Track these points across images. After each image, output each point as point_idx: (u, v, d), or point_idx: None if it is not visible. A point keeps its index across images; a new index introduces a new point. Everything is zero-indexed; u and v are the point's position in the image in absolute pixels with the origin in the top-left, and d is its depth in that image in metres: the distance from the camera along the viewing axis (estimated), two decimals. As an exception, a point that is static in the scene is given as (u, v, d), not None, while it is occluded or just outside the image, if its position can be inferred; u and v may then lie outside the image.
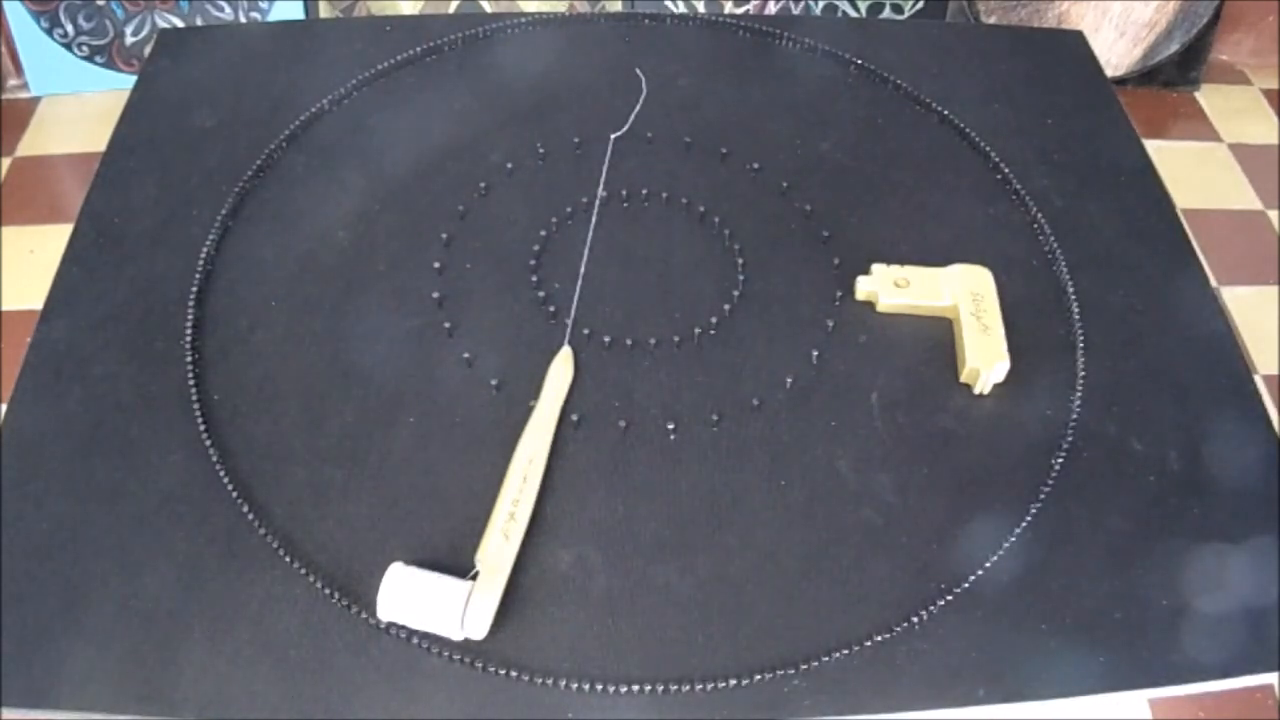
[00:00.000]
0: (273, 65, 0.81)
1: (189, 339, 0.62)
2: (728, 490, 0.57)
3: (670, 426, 0.60)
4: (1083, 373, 0.63)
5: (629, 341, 0.64)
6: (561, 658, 0.51)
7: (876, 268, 0.66)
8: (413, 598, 0.50)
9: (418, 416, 0.60)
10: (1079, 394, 0.62)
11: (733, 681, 0.50)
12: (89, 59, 1.61)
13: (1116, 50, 1.67)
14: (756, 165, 0.74)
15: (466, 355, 0.63)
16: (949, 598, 0.53)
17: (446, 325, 0.64)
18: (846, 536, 0.56)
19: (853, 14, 1.65)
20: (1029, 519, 0.56)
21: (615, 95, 0.78)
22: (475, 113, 0.77)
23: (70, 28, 1.58)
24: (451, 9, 1.62)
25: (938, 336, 0.65)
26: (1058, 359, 0.64)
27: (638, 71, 0.80)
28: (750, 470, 0.58)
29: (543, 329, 0.64)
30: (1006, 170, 0.74)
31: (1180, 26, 1.64)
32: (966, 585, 0.54)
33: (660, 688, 0.50)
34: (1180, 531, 0.56)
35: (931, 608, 0.53)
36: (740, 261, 0.68)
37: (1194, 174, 1.61)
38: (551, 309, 0.65)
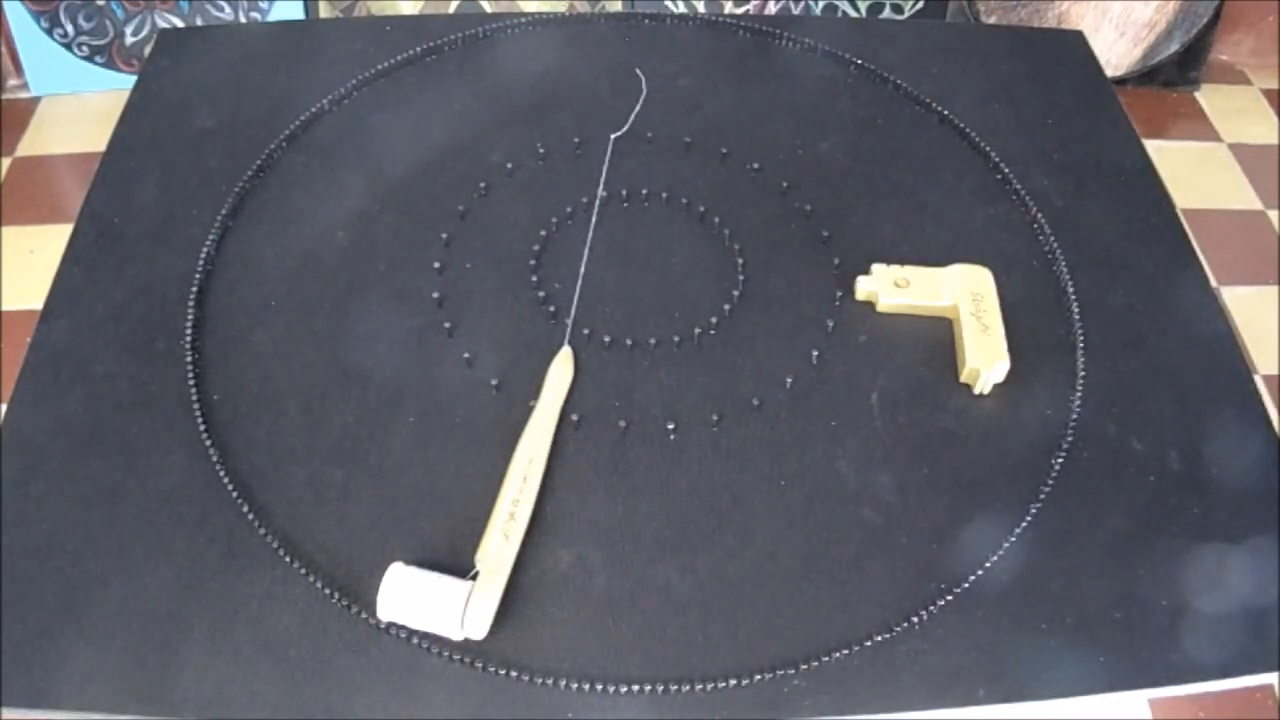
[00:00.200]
0: (273, 65, 0.81)
1: (189, 339, 0.62)
2: (728, 490, 0.57)
3: (670, 426, 0.60)
4: (1083, 373, 0.63)
5: (629, 341, 0.64)
6: (561, 658, 0.51)
7: (876, 268, 0.66)
8: (413, 598, 0.50)
9: (418, 416, 0.60)
10: (1079, 394, 0.62)
11: (733, 681, 0.50)
12: (89, 59, 1.61)
13: (1116, 50, 1.67)
14: (756, 165, 0.74)
15: (466, 355, 0.63)
16: (949, 598, 0.53)
17: (446, 325, 0.64)
18: (846, 536, 0.56)
19: (853, 14, 1.65)
20: (1029, 519, 0.56)
21: (615, 95, 0.78)
22: (475, 113, 0.77)
23: (70, 28, 1.58)
24: (451, 9, 1.62)
25: (938, 336, 0.65)
26: (1058, 359, 0.64)
27: (638, 71, 0.80)
28: (750, 470, 0.58)
29: (543, 329, 0.64)
30: (1006, 170, 0.74)
31: (1180, 26, 1.64)
32: (966, 585, 0.54)
33: (660, 688, 0.50)
34: (1180, 531, 0.56)
35: (931, 608, 0.53)
36: (740, 261, 0.68)
37: (1194, 174, 1.61)
38: (551, 309, 0.65)
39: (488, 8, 1.63)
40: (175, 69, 0.80)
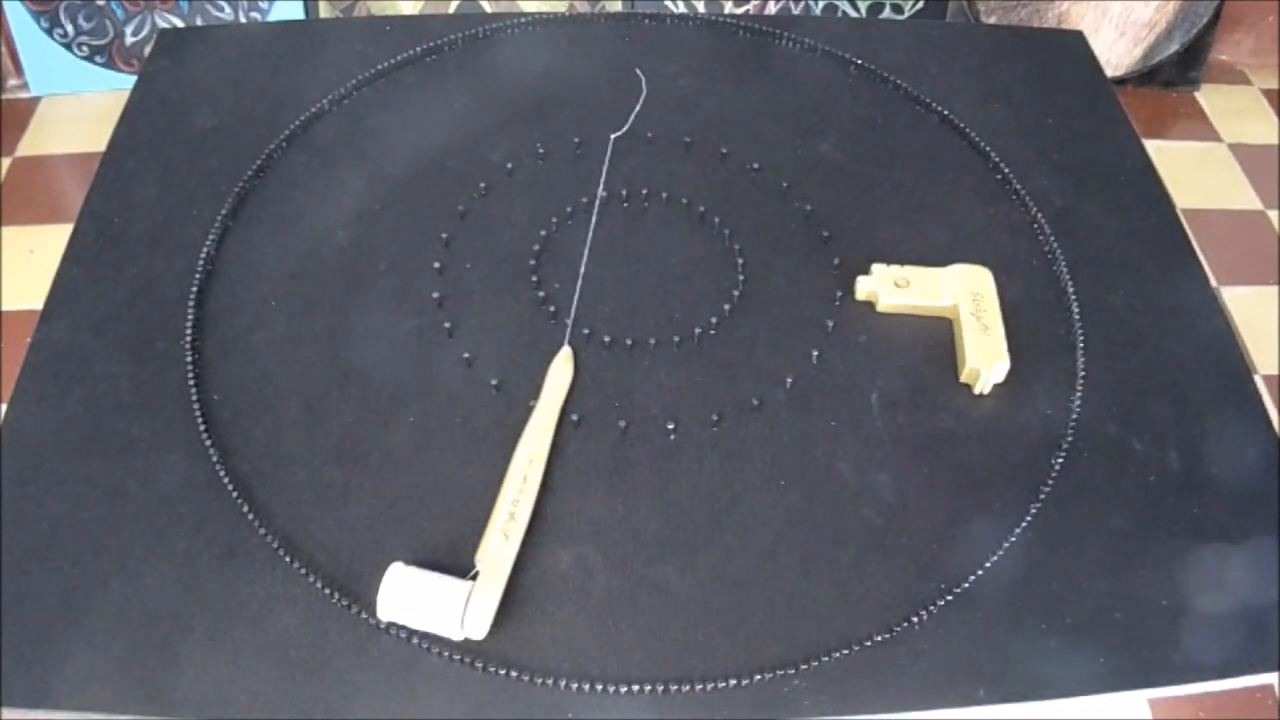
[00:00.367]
0: (273, 65, 0.81)
1: (189, 339, 0.62)
2: (728, 490, 0.57)
3: (670, 426, 0.60)
4: (1083, 373, 0.63)
5: (629, 341, 0.64)
6: (561, 658, 0.51)
7: (876, 268, 0.66)
8: (413, 598, 0.50)
9: (418, 416, 0.60)
10: (1079, 394, 0.62)
11: (733, 681, 0.50)
12: (89, 59, 1.61)
13: (1116, 50, 1.67)
14: (756, 165, 0.74)
15: (466, 355, 0.63)
16: (949, 598, 0.53)
17: (446, 325, 0.64)
18: (846, 536, 0.56)
19: (853, 14, 1.65)
20: (1029, 519, 0.56)
21: (615, 95, 0.78)
22: (475, 113, 0.77)
23: (70, 28, 1.58)
24: (451, 9, 1.62)
25: (938, 336, 0.65)
26: (1058, 359, 0.64)
27: (638, 71, 0.80)
28: (750, 470, 0.58)
29: (543, 329, 0.64)
30: (1006, 170, 0.74)
31: (1180, 26, 1.64)
32: (966, 585, 0.54)
33: (660, 688, 0.50)
34: (1180, 531, 0.56)
35: (931, 608, 0.53)
36: (740, 261, 0.68)
37: (1194, 174, 1.61)
38: (551, 309, 0.65)
39: (488, 8, 1.63)
40: (175, 69, 0.80)
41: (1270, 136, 1.68)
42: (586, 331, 0.64)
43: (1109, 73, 1.48)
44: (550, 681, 0.50)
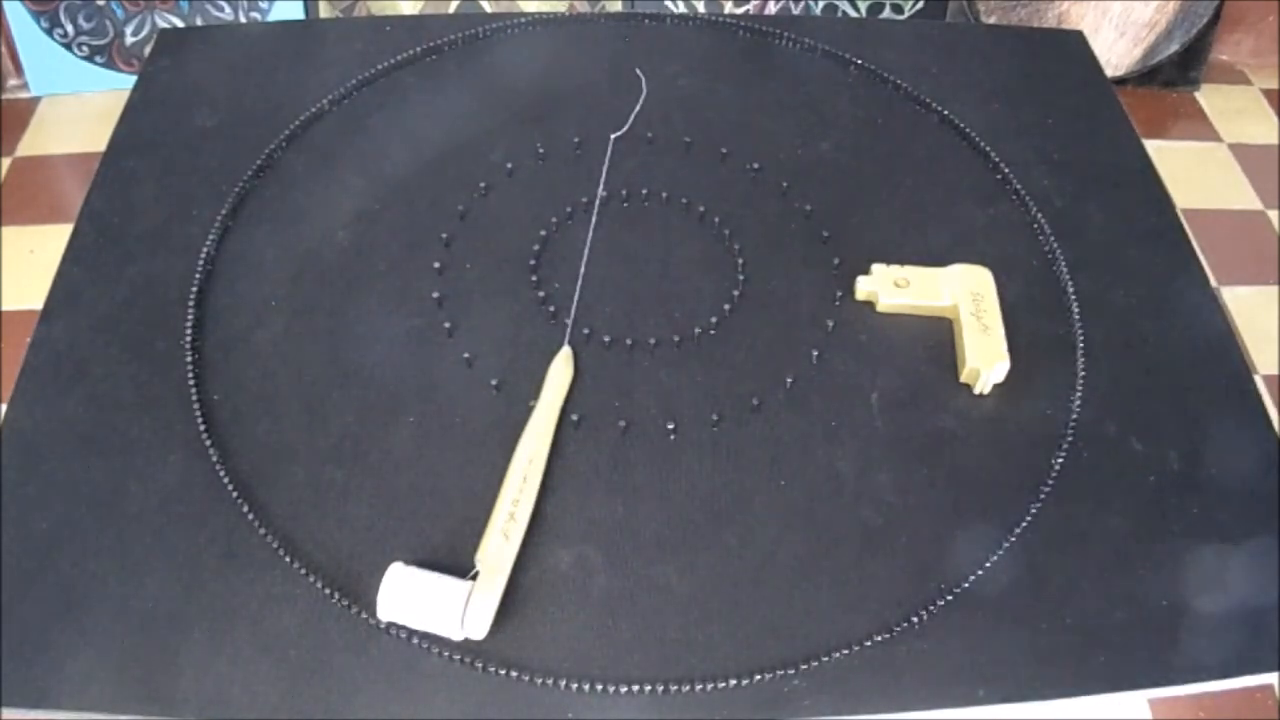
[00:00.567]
0: (273, 65, 0.81)
1: (189, 339, 0.62)
2: (728, 490, 0.57)
3: (670, 426, 0.60)
4: (1083, 373, 0.63)
5: (629, 341, 0.64)
6: (561, 658, 0.51)
7: (876, 268, 0.66)
8: (413, 598, 0.50)
9: (418, 416, 0.60)
10: (1079, 394, 0.62)
11: (733, 681, 0.50)
12: (89, 59, 1.61)
13: (1116, 50, 1.67)
14: (756, 165, 0.74)
15: (466, 355, 0.63)
16: (949, 598, 0.53)
17: (446, 325, 0.64)
18: (846, 536, 0.56)
19: (853, 14, 1.65)
20: (1029, 519, 0.56)
21: (615, 95, 0.78)
22: (475, 113, 0.77)
23: (70, 28, 1.58)
24: (451, 9, 1.62)
25: (938, 336, 0.65)
26: (1058, 359, 0.64)
27: (638, 71, 0.80)
28: (750, 470, 0.58)
29: (543, 329, 0.64)
30: (1006, 170, 0.74)
31: (1180, 26, 1.64)
32: (966, 585, 0.54)
33: (660, 688, 0.50)
34: (1180, 531, 0.56)
35: (931, 608, 0.53)
36: (740, 261, 0.68)
37: (1194, 174, 1.61)
38: (551, 309, 0.65)
39: (488, 8, 1.63)
40: (175, 69, 0.80)
41: (1270, 136, 1.68)
42: (586, 331, 0.64)
43: (1109, 73, 1.48)
44: (550, 681, 0.50)
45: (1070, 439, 0.59)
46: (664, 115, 0.77)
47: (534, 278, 0.67)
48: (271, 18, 1.60)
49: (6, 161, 1.55)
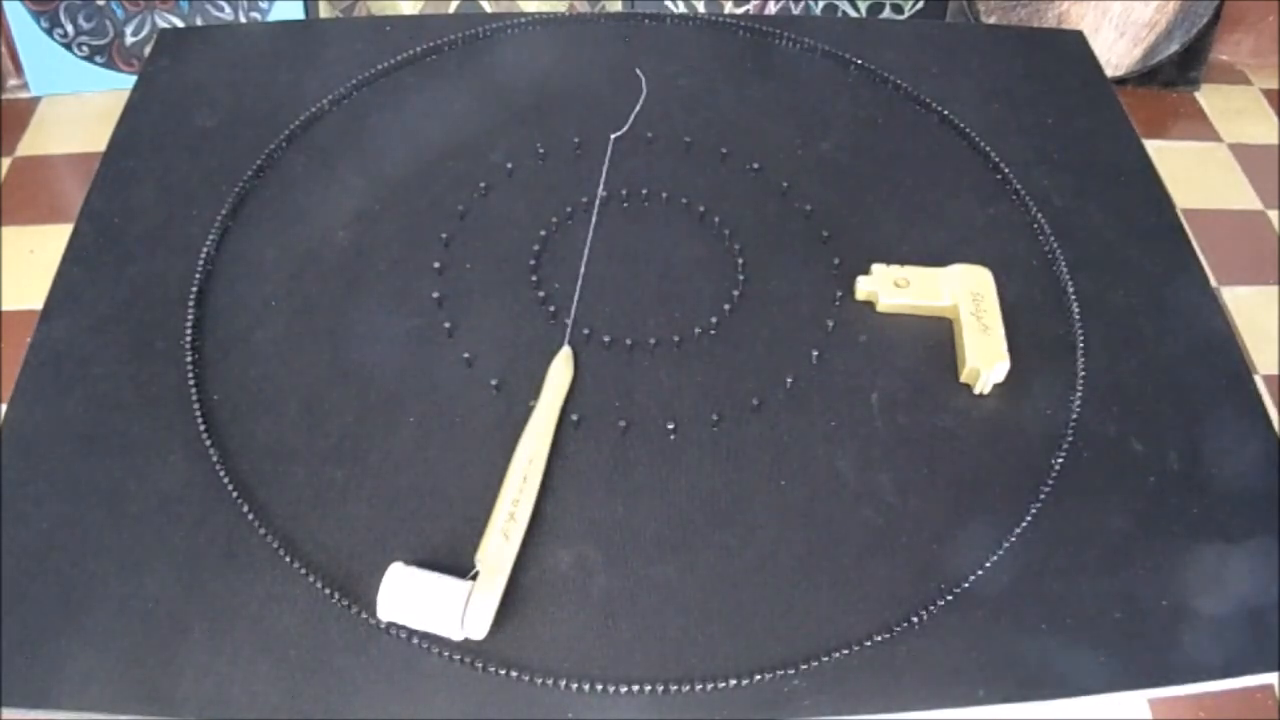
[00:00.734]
0: (273, 65, 0.81)
1: (189, 339, 0.62)
2: (728, 490, 0.57)
3: (670, 426, 0.60)
4: (1083, 373, 0.63)
5: (629, 341, 0.64)
6: (561, 658, 0.51)
7: (876, 268, 0.66)
8: (413, 598, 0.50)
9: (418, 416, 0.60)
10: (1079, 394, 0.62)
11: (733, 681, 0.50)
12: (89, 59, 1.61)
13: (1116, 50, 1.67)
14: (756, 165, 0.74)
15: (466, 355, 0.63)
16: (949, 598, 0.53)
17: (446, 325, 0.64)
18: (846, 536, 0.56)
19: (853, 14, 1.65)
20: (1029, 519, 0.56)
21: (615, 95, 0.78)
22: (475, 113, 0.77)
23: (70, 28, 1.58)
24: (451, 9, 1.62)
25: (938, 336, 0.65)
26: (1058, 359, 0.64)
27: (638, 71, 0.80)
28: (750, 470, 0.58)
29: (543, 329, 0.64)
30: (1006, 170, 0.74)
31: (1180, 26, 1.64)
32: (966, 585, 0.54)
33: (660, 688, 0.50)
34: (1180, 531, 0.56)
35: (931, 608, 0.53)
36: (740, 261, 0.68)
37: (1194, 174, 1.61)
38: (551, 309, 0.65)
39: (488, 8, 1.63)
40: (175, 69, 0.80)
41: (1270, 136, 1.68)
42: (586, 331, 0.64)
43: (1109, 73, 1.48)
44: (550, 681, 0.50)
45: (1070, 439, 0.59)
46: (664, 115, 0.77)
47: (534, 278, 0.67)
48: (271, 18, 1.60)
49: (6, 161, 1.55)
